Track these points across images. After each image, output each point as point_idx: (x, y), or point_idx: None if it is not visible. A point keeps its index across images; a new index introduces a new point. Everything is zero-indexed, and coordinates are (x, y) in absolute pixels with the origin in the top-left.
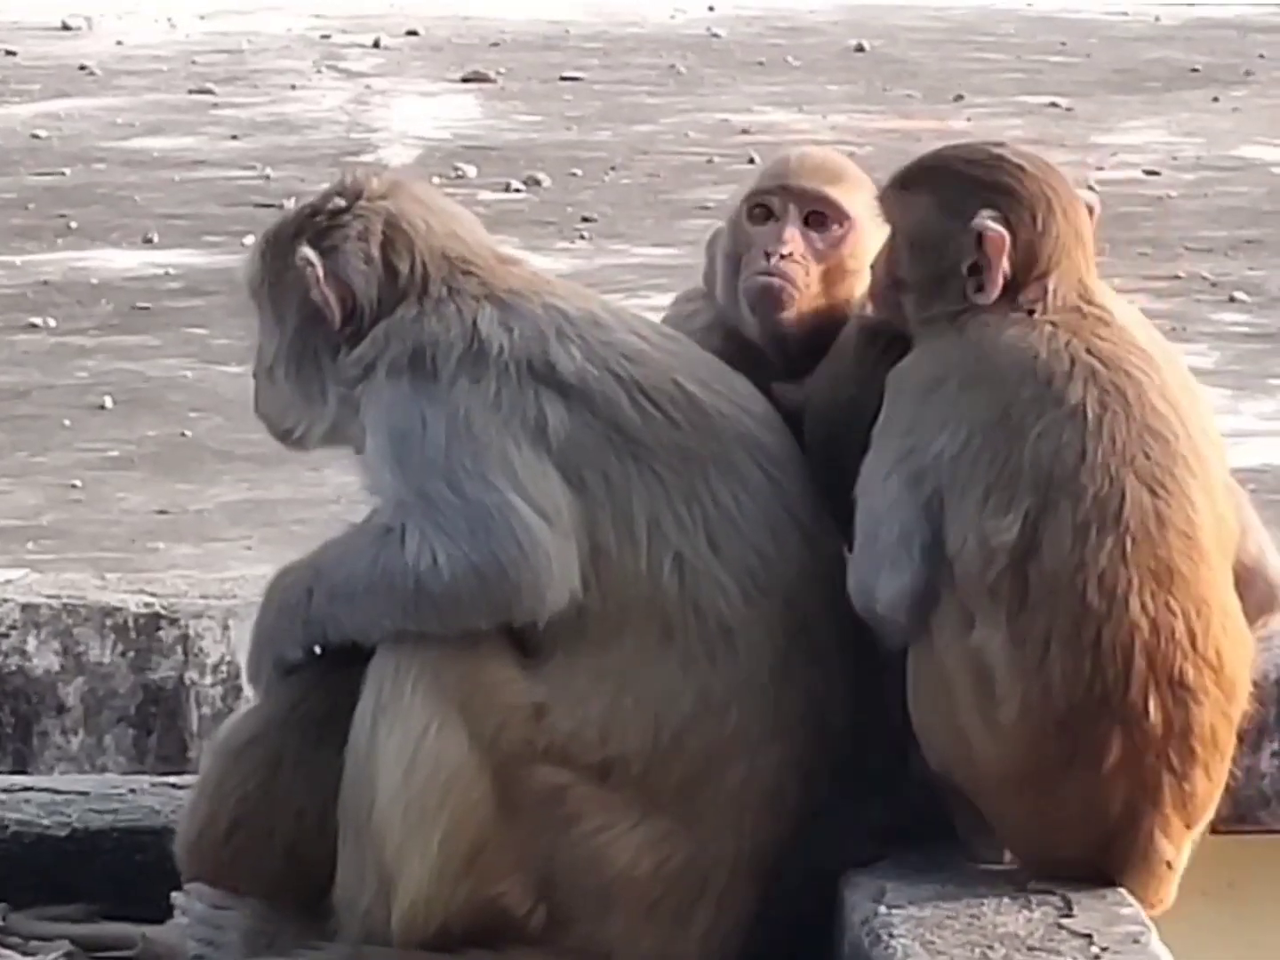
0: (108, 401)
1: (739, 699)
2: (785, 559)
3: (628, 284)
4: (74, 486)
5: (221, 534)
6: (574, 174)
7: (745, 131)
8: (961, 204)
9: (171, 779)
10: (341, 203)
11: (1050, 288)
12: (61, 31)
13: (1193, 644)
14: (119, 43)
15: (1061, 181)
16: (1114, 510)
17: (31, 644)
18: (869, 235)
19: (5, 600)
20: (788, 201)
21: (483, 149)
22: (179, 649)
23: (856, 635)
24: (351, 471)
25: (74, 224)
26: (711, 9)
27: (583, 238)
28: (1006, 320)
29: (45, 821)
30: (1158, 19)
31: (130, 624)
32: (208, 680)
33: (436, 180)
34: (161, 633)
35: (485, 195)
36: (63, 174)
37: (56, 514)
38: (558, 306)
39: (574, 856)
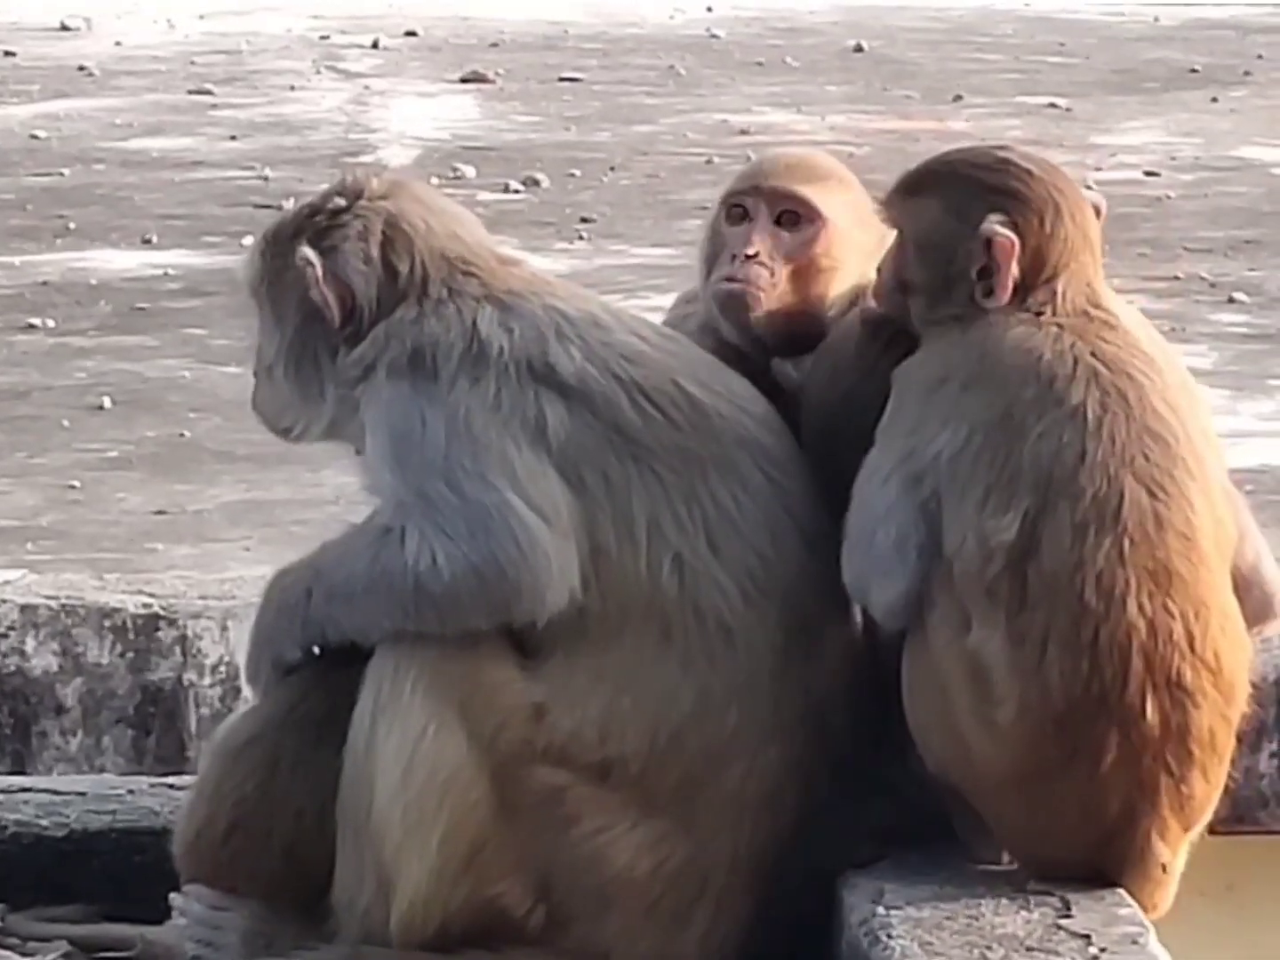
0: (106, 402)
1: (738, 699)
2: (785, 560)
3: (627, 284)
4: (73, 487)
5: (220, 534)
6: (573, 174)
7: (744, 132)
8: (969, 208)
9: (170, 780)
10: (341, 203)
11: (1059, 290)
12: (60, 32)
13: (1191, 646)
14: (118, 43)
15: (1068, 184)
16: (1113, 511)
17: (30, 644)
18: (843, 234)
19: (4, 601)
20: (759, 201)
21: (481, 149)
22: (177, 650)
23: (856, 636)
24: (351, 472)
25: (73, 224)
26: (710, 10)
27: (581, 238)
28: (1012, 322)
29: (44, 822)
30: (1156, 19)
31: (129, 625)
32: (206, 681)
33: (435, 181)
34: (160, 633)
35: (484, 196)
36: (61, 174)
37: (55, 514)
38: (558, 307)
39: (573, 857)
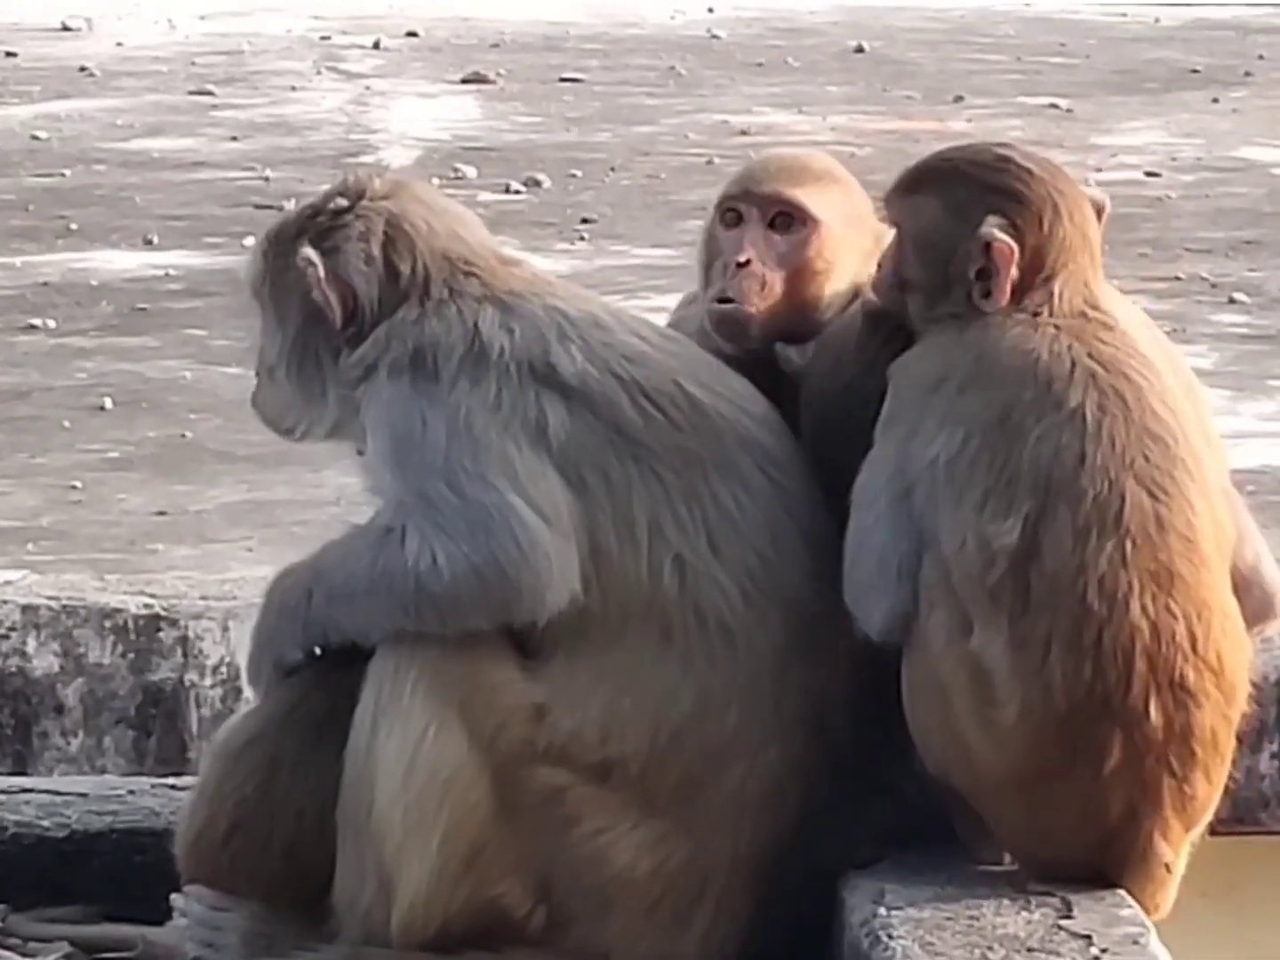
0: (107, 403)
1: (738, 700)
2: (785, 560)
3: (627, 285)
4: (74, 488)
5: (221, 535)
6: (574, 175)
7: (745, 132)
8: (968, 208)
9: (171, 780)
10: (343, 203)
11: (1056, 291)
12: (61, 33)
13: (1193, 647)
14: (119, 44)
15: (1068, 183)
16: (1114, 513)
17: (31, 645)
18: (838, 235)
19: (5, 601)
20: (752, 205)
21: (482, 150)
22: (179, 650)
23: (856, 636)
24: (352, 473)
25: (74, 225)
26: (711, 10)
27: (582, 239)
28: (1010, 322)
29: (45, 823)
30: (1157, 20)
31: (130, 625)
32: (207, 681)
33: (436, 181)
34: (161, 634)
35: (485, 196)
36: (63, 175)
37: (56, 515)
38: (559, 308)
39: (573, 857)
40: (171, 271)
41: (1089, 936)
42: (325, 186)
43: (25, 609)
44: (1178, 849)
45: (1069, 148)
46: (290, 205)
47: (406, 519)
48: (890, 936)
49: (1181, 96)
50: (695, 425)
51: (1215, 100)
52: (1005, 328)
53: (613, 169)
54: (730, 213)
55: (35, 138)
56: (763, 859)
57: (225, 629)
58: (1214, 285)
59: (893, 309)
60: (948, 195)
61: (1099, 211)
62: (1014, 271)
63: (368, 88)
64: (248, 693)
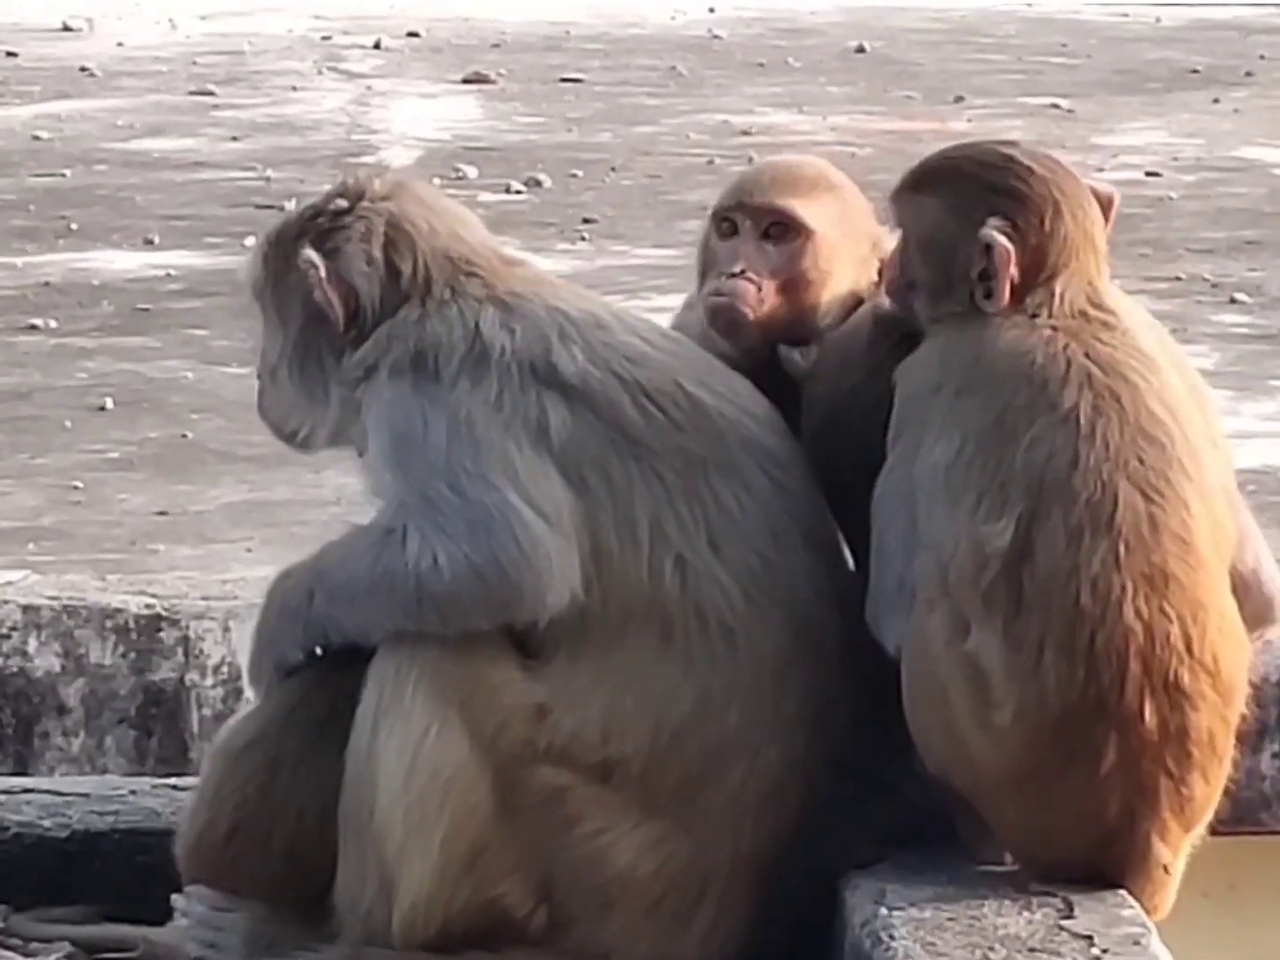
0: (108, 403)
1: (739, 700)
2: (787, 560)
3: (628, 285)
4: (75, 488)
5: (222, 535)
6: (575, 175)
7: (746, 133)
8: (970, 209)
9: (172, 780)
10: (344, 204)
11: (1057, 291)
12: (62, 33)
13: (1188, 649)
14: (120, 44)
15: (1072, 182)
16: (1106, 515)
17: (32, 645)
18: (832, 244)
19: (6, 602)
20: (746, 216)
21: (483, 150)
22: (180, 650)
23: (857, 636)
24: (353, 473)
25: (75, 225)
26: (712, 10)
27: (583, 239)
28: (1008, 324)
29: (46, 823)
30: (1158, 20)
31: (131, 625)
32: (208, 682)
33: (437, 181)
34: (162, 634)
35: (486, 196)
36: (63, 175)
37: (57, 515)
38: (560, 308)
39: (574, 857)
40: (172, 271)
41: (1090, 937)
42: (326, 187)
43: (26, 609)
44: (1176, 850)
45: (1070, 148)
46: (291, 205)
47: (407, 519)
48: (891, 937)
49: (1183, 97)
50: (697, 425)
51: (1216, 100)
52: (1003, 330)
53: (614, 169)
54: (725, 223)
55: (36, 138)
56: (763, 859)
57: (226, 629)
58: (1215, 285)
59: (901, 310)
60: (950, 195)
61: (1108, 205)
62: (1014, 272)
63: (369, 88)
64: (249, 693)
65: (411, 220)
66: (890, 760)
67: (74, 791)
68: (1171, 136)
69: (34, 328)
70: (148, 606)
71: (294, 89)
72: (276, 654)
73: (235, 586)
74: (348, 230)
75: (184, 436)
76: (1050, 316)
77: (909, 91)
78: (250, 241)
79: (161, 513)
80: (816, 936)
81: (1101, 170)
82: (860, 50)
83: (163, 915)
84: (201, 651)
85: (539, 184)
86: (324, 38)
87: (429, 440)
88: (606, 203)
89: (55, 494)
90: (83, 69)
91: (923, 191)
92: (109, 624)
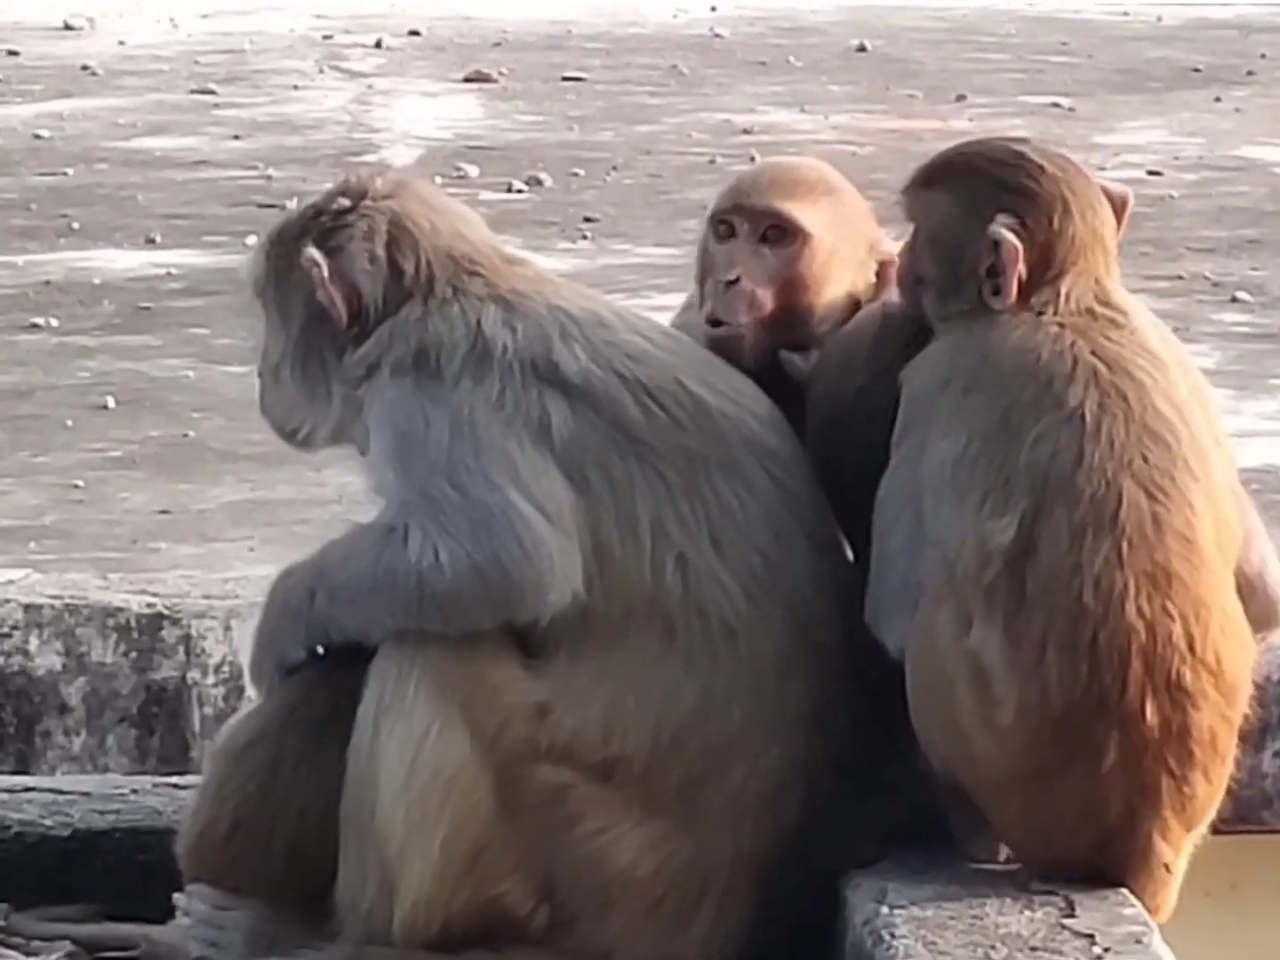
0: (110, 402)
1: (741, 699)
2: (788, 559)
3: (630, 284)
4: (76, 487)
5: (224, 534)
6: (576, 174)
7: (747, 131)
8: (979, 205)
9: (174, 779)
10: (346, 202)
11: (1064, 289)
12: (64, 31)
13: (1191, 647)
14: (121, 43)
15: (1083, 181)
16: (1110, 513)
17: (34, 644)
18: (829, 247)
19: (7, 600)
20: (743, 219)
21: (485, 149)
22: (181, 649)
23: (859, 636)
24: (355, 472)
25: (76, 224)
26: (714, 9)
27: (585, 238)
28: (1015, 322)
29: (47, 822)
30: (1159, 19)
31: (132, 624)
32: (210, 680)
33: (438, 180)
34: (164, 633)
35: (487, 195)
36: (65, 174)
37: (59, 514)
38: (562, 307)
39: (576, 856)
40: (174, 270)
41: (1092, 935)
42: (328, 185)
43: (28, 608)
44: (1178, 849)
45: (1071, 147)
46: (293, 204)
47: (409, 518)
48: (893, 935)
49: (1184, 95)
50: (698, 424)
51: (1217, 99)
52: (1010, 327)
53: (615, 168)
54: (723, 225)
55: (37, 136)
56: (764, 859)
57: (228, 628)
58: (1216, 284)
59: (911, 306)
60: (960, 191)
61: (1121, 206)
62: (1021, 269)
63: (370, 87)
64: (250, 692)
65: (413, 219)
66: (892, 760)
67: (75, 790)
68: (1173, 135)
69: (35, 326)
70: (149, 605)
71: (295, 88)
72: (278, 653)
73: (237, 585)
74: (350, 229)
75: (185, 435)
76: (1057, 314)
77: (910, 90)
78: (252, 240)
79: (163, 511)
80: (817, 936)
81: (1103, 169)
82: (861, 49)
83: (164, 914)
84: (203, 650)
85: (540, 183)
86: (325, 36)
87: (431, 439)
88: (608, 202)
89: (57, 493)
90: (84, 68)
91: (934, 186)
92: (110, 623)
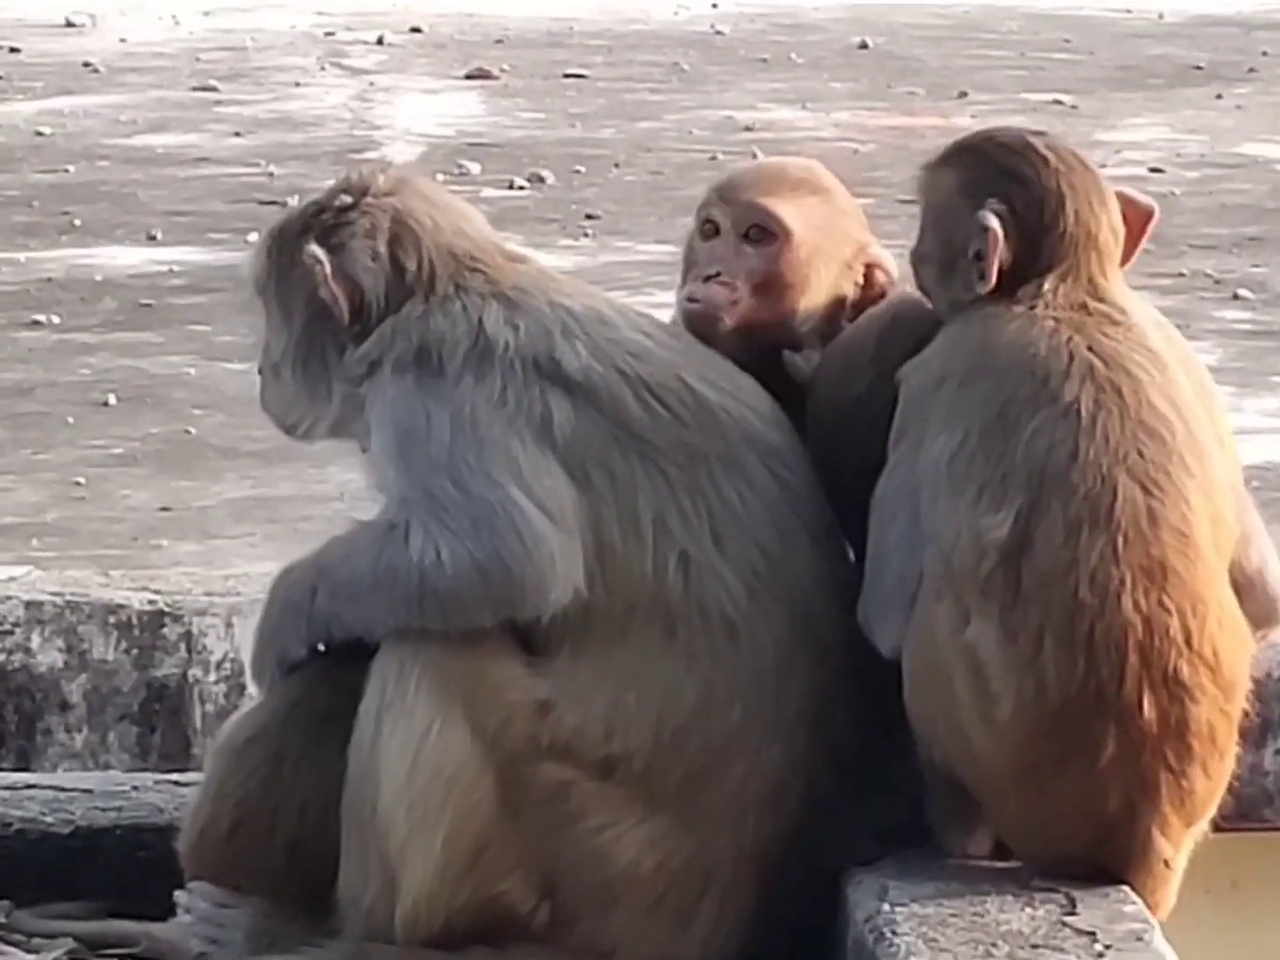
0: (111, 399)
1: (742, 696)
2: (790, 557)
3: (631, 281)
4: (77, 484)
5: (225, 531)
6: (577, 171)
7: (749, 128)
8: (977, 188)
9: (175, 776)
10: (348, 200)
11: (1048, 285)
12: (65, 28)
13: (1188, 642)
14: (123, 40)
15: (1087, 180)
16: (1105, 508)
17: (35, 641)
18: (812, 247)
19: (9, 597)
20: (726, 217)
21: (486, 146)
22: (182, 646)
23: (860, 633)
24: (356, 469)
25: (77, 221)
26: (715, 6)
27: (586, 235)
28: (1010, 316)
29: (49, 819)
30: (1161, 16)
31: (134, 621)
32: (211, 677)
33: (440, 177)
34: (165, 630)
35: (489, 192)
36: (66, 171)
37: (60, 511)
38: (564, 304)
39: (577, 854)
40: (175, 267)
41: (1093, 933)
42: (329, 183)
43: (29, 605)
44: (1178, 845)
45: (1073, 144)
46: (294, 201)
47: (410, 515)
48: (894, 933)
49: (1185, 93)
50: (700, 421)
51: (1219, 96)
52: (1005, 320)
53: (616, 165)
54: (708, 224)
55: (39, 134)
56: (766, 856)
57: (229, 625)
58: (1218, 281)
59: (922, 290)
60: (964, 173)
61: (1146, 218)
62: (1004, 256)
63: (371, 84)
64: (251, 689)
65: (415, 216)
66: (893, 758)
67: (77, 787)
68: (1174, 133)
69: (37, 323)
70: (150, 602)
71: (297, 85)
72: (279, 650)
73: (238, 582)
74: (352, 226)
75: (187, 432)
76: (1047, 308)
77: (912, 87)
78: (253, 237)
79: (164, 508)
80: (818, 933)
81: (1105, 166)
82: (863, 46)
83: (165, 911)
84: (204, 647)
85: (542, 180)
86: (327, 33)
87: (432, 436)
88: (609, 198)
89: (58, 490)
90: (86, 65)
91: (942, 167)
92: (112, 620)
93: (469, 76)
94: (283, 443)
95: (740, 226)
